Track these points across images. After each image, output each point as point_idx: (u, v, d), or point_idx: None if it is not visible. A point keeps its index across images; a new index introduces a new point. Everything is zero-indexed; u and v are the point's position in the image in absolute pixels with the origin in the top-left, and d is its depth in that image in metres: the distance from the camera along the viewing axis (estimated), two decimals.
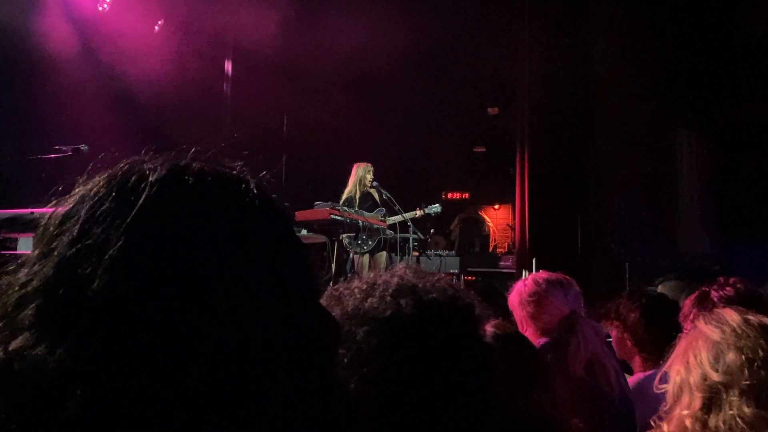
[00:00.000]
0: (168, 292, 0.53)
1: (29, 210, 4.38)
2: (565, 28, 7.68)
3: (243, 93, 8.85)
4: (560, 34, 7.67)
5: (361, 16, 8.70)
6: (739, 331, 1.28)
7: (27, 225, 4.21)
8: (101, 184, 0.59)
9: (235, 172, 0.62)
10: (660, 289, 3.22)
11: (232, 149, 0.68)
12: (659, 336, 2.38)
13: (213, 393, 0.52)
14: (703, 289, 2.40)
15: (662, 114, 7.44)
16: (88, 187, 0.60)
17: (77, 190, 0.61)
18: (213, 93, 8.73)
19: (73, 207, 0.59)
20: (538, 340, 2.27)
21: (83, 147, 4.21)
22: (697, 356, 1.27)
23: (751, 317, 1.32)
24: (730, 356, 1.24)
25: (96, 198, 0.58)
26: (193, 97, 7.93)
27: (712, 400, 1.23)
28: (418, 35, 9.15)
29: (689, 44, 7.20)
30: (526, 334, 2.35)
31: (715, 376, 1.23)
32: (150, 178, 0.58)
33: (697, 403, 1.24)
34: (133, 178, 0.59)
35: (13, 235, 4.40)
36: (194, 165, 0.61)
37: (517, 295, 2.41)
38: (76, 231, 0.57)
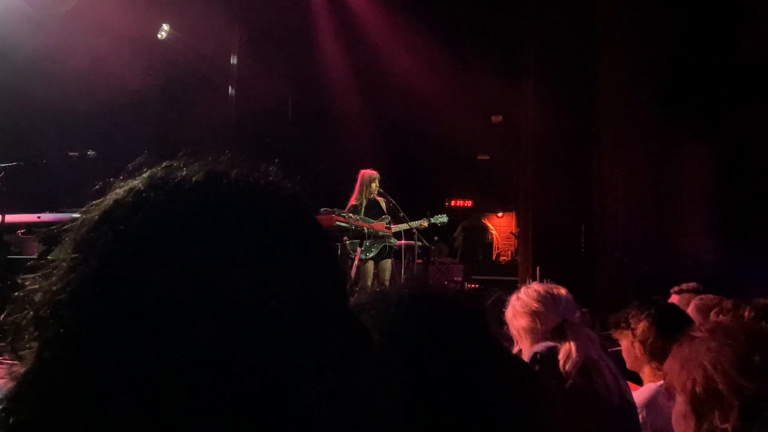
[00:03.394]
0: (207, 303, 0.52)
1: (36, 215, 4.40)
2: (569, 35, 7.69)
3: (248, 96, 8.89)
4: (564, 42, 7.69)
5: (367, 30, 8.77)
6: (750, 335, 1.26)
7: (34, 230, 4.22)
8: (137, 191, 0.58)
9: (270, 178, 0.62)
10: (677, 299, 3.18)
11: (238, 152, 0.67)
12: (670, 345, 2.36)
13: (250, 408, 0.51)
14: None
15: (666, 121, 7.44)
16: (121, 192, 0.59)
17: (109, 194, 0.60)
18: (218, 95, 8.76)
19: (107, 212, 0.58)
20: (531, 350, 2.29)
21: (91, 152, 4.20)
22: (718, 366, 1.25)
23: (748, 323, 1.31)
24: (756, 359, 1.21)
25: (132, 204, 0.57)
26: (199, 99, 7.97)
27: (749, 408, 1.20)
28: (421, 43, 9.20)
29: (693, 52, 7.21)
30: (522, 346, 2.38)
31: (748, 382, 1.21)
32: (188, 185, 0.57)
33: (735, 413, 1.21)
34: (171, 185, 0.58)
35: (19, 240, 4.40)
36: (231, 171, 0.60)
37: (511, 308, 2.45)
38: (111, 240, 0.55)
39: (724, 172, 7.34)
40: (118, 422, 0.50)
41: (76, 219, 0.60)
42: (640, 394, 2.35)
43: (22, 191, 4.57)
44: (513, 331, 2.45)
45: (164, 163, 0.60)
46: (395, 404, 0.70)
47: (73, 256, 0.56)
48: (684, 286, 3.44)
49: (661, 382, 2.35)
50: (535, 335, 2.34)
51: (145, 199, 0.57)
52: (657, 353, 2.42)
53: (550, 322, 2.31)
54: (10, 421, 0.53)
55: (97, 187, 0.60)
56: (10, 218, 4.17)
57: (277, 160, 0.64)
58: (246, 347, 0.52)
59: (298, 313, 0.55)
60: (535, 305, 2.37)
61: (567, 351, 2.14)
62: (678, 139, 7.52)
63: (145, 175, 0.60)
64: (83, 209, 0.60)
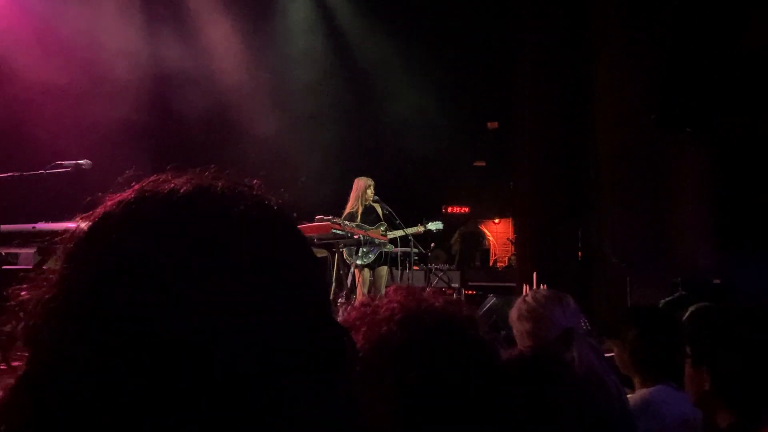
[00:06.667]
0: (195, 313, 0.53)
1: (30, 225, 4.39)
2: (565, 41, 7.73)
3: (243, 109, 8.90)
4: (560, 48, 7.72)
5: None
6: None
7: (28, 240, 4.22)
8: (126, 202, 0.59)
9: (255, 190, 0.63)
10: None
11: (237, 165, 0.69)
12: (657, 354, 2.38)
13: (233, 413, 0.52)
14: None
15: (662, 126, 7.46)
16: (112, 204, 0.60)
17: (99, 207, 0.61)
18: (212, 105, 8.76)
19: (97, 225, 0.59)
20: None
21: (85, 163, 4.16)
22: None
23: None
24: None
25: (121, 216, 0.58)
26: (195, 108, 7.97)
27: None
28: (418, 50, 9.24)
29: (689, 56, 7.24)
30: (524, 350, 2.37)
31: None
32: (175, 197, 0.58)
33: None
34: (159, 197, 0.59)
35: (14, 251, 4.40)
36: (217, 184, 0.61)
37: (517, 310, 2.45)
38: (101, 250, 0.56)
39: (721, 178, 7.36)
40: (110, 430, 0.51)
41: (68, 230, 0.61)
42: (632, 401, 2.35)
43: (16, 202, 4.57)
44: (516, 334, 2.45)
45: (153, 176, 0.62)
46: (384, 410, 0.71)
47: (65, 266, 0.58)
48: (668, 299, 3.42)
49: (654, 387, 2.35)
50: (537, 341, 2.33)
51: (134, 211, 0.58)
52: (645, 361, 2.42)
53: (555, 328, 2.31)
54: (2, 429, 0.53)
55: (88, 200, 0.61)
56: (4, 228, 4.16)
57: (262, 173, 0.66)
58: (234, 353, 0.53)
59: (284, 322, 0.56)
60: (541, 310, 2.36)
61: (569, 360, 2.13)
62: (674, 144, 7.55)
63: (134, 188, 0.61)
64: (74, 222, 0.61)
